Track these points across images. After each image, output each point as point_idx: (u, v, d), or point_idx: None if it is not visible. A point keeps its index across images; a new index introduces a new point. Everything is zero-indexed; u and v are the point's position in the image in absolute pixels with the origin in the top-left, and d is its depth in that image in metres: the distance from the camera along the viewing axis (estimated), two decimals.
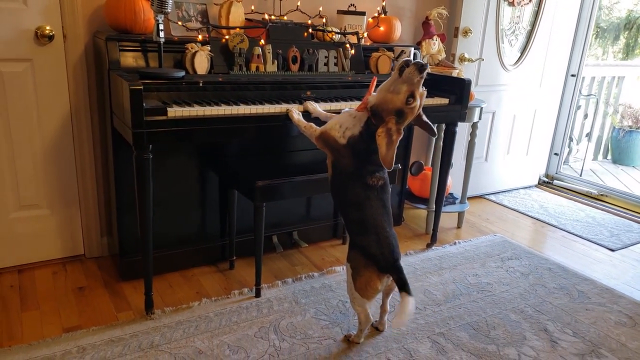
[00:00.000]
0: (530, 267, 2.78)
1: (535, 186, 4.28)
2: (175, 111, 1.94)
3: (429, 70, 1.81)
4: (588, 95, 4.91)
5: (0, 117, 2.28)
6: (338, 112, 2.15)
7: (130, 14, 2.20)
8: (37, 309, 2.20)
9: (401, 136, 1.86)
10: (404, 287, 1.86)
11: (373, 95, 1.91)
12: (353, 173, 1.92)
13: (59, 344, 1.95)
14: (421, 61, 1.82)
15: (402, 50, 2.82)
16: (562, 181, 4.31)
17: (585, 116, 5.04)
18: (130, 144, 1.92)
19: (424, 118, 2.02)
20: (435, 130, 2.04)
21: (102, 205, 2.63)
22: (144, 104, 1.86)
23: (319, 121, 2.17)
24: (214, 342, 2.01)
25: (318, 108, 2.23)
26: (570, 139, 4.75)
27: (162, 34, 2.09)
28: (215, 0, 2.53)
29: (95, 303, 2.26)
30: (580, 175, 4.47)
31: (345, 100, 2.41)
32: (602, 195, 4.04)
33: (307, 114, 2.22)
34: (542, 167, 4.33)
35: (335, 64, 2.59)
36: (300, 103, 2.25)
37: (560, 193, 4.15)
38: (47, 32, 2.25)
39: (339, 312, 2.26)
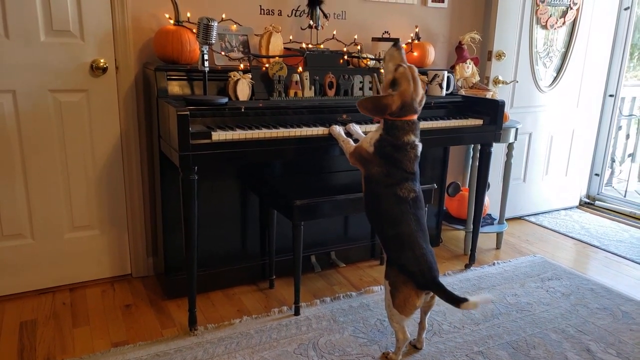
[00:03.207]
0: (571, 287, 2.74)
1: (577, 207, 4.20)
2: (219, 135, 2.05)
3: (403, 46, 2.09)
4: (629, 115, 4.82)
5: (57, 143, 2.45)
6: None
7: (177, 46, 2.35)
8: (88, 324, 2.31)
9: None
10: (456, 301, 1.86)
11: None
12: (383, 183, 1.99)
13: (108, 357, 2.04)
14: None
15: (436, 74, 2.88)
16: (604, 202, 4.23)
17: (628, 136, 4.94)
18: (177, 166, 2.03)
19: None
20: None
21: (149, 226, 2.76)
22: (190, 129, 1.98)
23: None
24: (254, 357, 2.06)
25: (359, 130, 2.33)
26: (612, 160, 4.66)
27: (206, 64, 2.22)
28: (256, 31, 2.67)
29: (142, 320, 2.36)
30: (625, 197, 4.37)
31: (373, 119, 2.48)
32: None
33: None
34: (582, 188, 4.26)
35: (370, 89, 2.67)
36: (337, 125, 2.34)
37: (603, 214, 4.06)
38: (102, 64, 2.43)
39: (377, 331, 2.28)
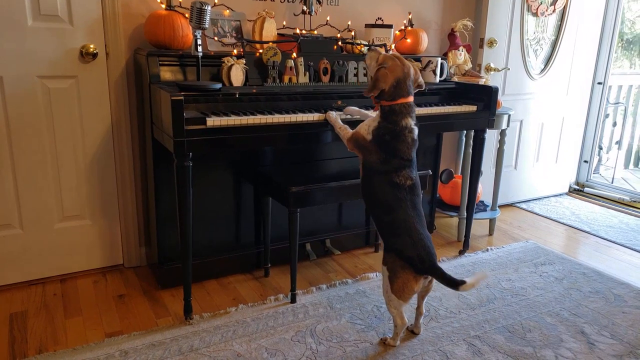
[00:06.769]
0: (564, 272, 2.76)
1: (566, 194, 4.24)
2: (213, 121, 2.02)
3: (379, 49, 2.13)
4: (616, 103, 4.87)
5: (47, 131, 2.39)
6: None
7: (170, 31, 2.30)
8: (80, 315, 2.27)
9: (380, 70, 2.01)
10: (456, 284, 1.86)
11: None
12: (380, 170, 1.98)
13: (102, 348, 2.01)
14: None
15: (430, 61, 2.87)
16: (594, 188, 4.27)
17: (614, 124, 5.00)
18: (171, 152, 2.00)
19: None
20: None
21: (141, 216, 2.72)
22: (184, 114, 1.95)
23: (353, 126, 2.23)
24: (251, 345, 2.05)
25: (357, 109, 2.35)
26: (600, 147, 4.70)
27: (199, 49, 2.18)
28: (249, 16, 2.63)
29: (136, 310, 2.33)
30: (612, 183, 4.42)
31: (374, 108, 2.46)
32: (634, 201, 3.99)
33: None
34: (572, 174, 4.30)
35: (365, 75, 2.65)
36: (333, 111, 2.32)
37: (592, 200, 4.11)
38: (92, 50, 2.38)
39: (374, 317, 2.28)
